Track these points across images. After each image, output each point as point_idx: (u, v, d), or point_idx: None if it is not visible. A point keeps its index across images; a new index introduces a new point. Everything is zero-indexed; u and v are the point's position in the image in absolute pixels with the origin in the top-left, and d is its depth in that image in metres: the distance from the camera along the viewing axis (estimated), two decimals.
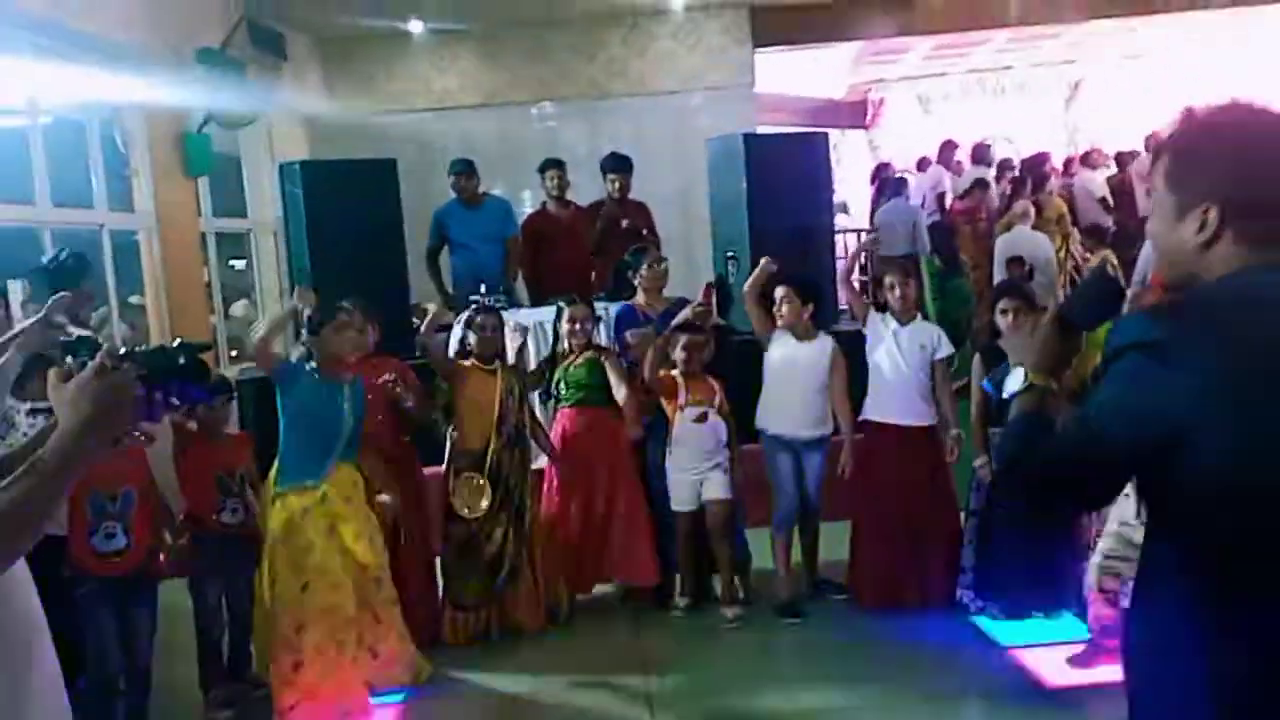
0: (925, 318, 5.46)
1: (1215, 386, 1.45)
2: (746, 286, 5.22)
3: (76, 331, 4.22)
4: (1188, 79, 12.90)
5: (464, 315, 5.22)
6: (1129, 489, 1.70)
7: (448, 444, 5.08)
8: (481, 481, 4.90)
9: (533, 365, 5.46)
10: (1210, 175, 1.56)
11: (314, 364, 4.38)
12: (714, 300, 5.55)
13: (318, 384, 4.34)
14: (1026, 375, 1.74)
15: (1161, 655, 1.57)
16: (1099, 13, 10.82)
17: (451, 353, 5.17)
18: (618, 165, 7.29)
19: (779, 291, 5.10)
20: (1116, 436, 1.53)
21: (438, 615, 5.00)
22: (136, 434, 1.73)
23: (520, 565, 4.99)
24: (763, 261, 5.22)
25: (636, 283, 5.60)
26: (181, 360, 1.75)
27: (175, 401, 1.70)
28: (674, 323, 5.16)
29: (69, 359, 1.71)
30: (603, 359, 5.18)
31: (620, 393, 5.09)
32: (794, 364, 5.08)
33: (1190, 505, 1.52)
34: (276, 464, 4.35)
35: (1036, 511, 1.87)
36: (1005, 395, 1.78)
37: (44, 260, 5.35)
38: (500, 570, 4.95)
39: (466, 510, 4.89)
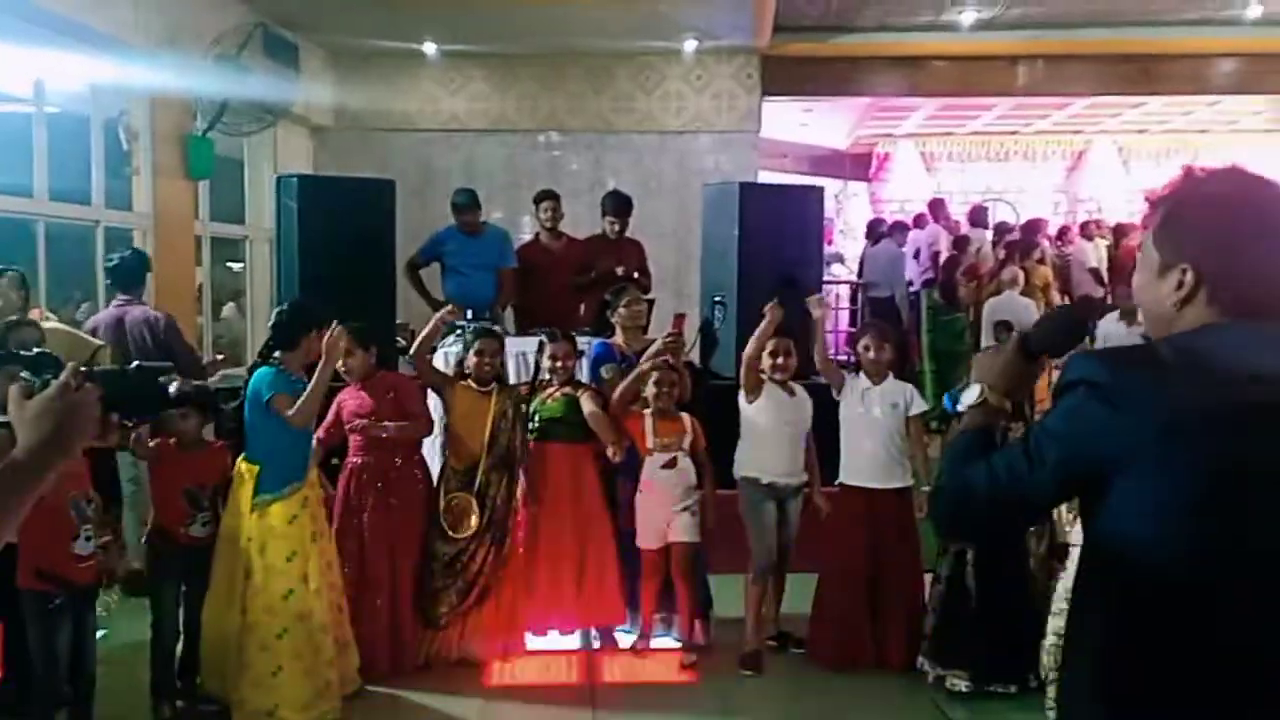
0: (919, 351, 5.42)
1: (1148, 435, 1.51)
2: (760, 336, 5.02)
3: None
4: (1191, 155, 13.07)
5: (454, 336, 5.22)
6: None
7: (439, 463, 5.09)
8: (470, 501, 4.91)
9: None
10: (1191, 237, 1.61)
11: (283, 368, 4.37)
12: (684, 330, 5.50)
13: (296, 386, 4.34)
14: (982, 391, 1.81)
15: (1081, 692, 1.64)
16: (1101, 89, 10.96)
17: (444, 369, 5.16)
18: (618, 208, 7.29)
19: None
20: (1051, 462, 1.60)
21: (415, 632, 4.95)
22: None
23: (491, 589, 4.98)
24: (771, 310, 5.03)
25: (615, 321, 5.63)
26: (139, 384, 1.80)
27: (128, 422, 1.73)
28: (646, 355, 5.17)
29: (30, 376, 1.72)
30: (579, 394, 5.16)
31: (592, 416, 5.02)
32: (779, 417, 5.06)
33: (1108, 545, 1.59)
34: (255, 473, 4.30)
35: (960, 527, 1.92)
36: (959, 408, 1.83)
37: (109, 261, 5.91)
38: (473, 591, 4.94)
39: (454, 530, 4.90)
